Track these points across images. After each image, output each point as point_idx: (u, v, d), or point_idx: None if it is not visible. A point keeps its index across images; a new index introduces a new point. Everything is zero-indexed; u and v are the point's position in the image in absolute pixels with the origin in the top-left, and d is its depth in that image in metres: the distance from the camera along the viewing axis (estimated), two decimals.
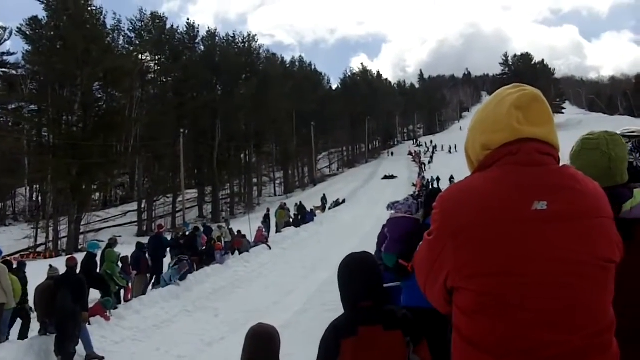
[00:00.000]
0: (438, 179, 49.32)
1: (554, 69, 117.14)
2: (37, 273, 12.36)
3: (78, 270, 11.73)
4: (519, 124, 1.59)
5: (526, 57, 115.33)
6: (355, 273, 2.71)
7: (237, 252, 21.95)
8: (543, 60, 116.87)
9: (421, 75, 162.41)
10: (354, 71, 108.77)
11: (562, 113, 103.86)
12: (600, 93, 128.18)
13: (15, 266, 12.55)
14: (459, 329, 1.59)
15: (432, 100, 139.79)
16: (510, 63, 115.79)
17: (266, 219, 32.26)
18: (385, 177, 60.21)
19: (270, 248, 23.35)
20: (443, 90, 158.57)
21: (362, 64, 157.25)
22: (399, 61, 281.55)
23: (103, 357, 10.56)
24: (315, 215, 35.43)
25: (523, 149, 1.57)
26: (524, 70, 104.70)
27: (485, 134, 1.65)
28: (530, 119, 1.60)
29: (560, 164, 1.64)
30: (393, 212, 6.07)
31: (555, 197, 1.51)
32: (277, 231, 29.99)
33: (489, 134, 1.63)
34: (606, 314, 1.52)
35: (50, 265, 12.05)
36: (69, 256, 12.88)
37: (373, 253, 6.79)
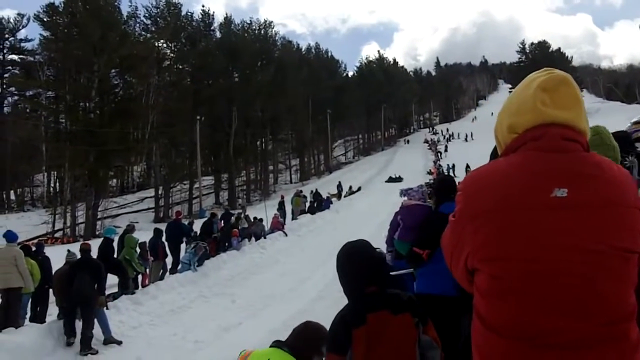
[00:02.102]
0: (453, 167, 49.04)
1: (571, 57, 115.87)
2: (55, 258, 12.48)
3: (95, 256, 11.92)
4: (544, 106, 1.57)
5: (543, 45, 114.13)
6: (357, 261, 2.74)
7: (253, 238, 22.05)
8: (560, 48, 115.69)
9: (437, 62, 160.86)
10: (370, 59, 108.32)
11: None
12: (618, 81, 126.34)
13: (34, 249, 12.73)
14: (476, 309, 1.60)
15: (448, 88, 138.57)
16: (527, 51, 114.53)
17: (281, 206, 32.30)
18: (390, 180, 49.94)
19: (286, 235, 23.41)
20: (459, 78, 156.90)
21: (378, 51, 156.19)
22: (410, 50, 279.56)
23: (121, 342, 10.64)
24: (332, 203, 35.44)
25: (547, 134, 1.56)
26: (541, 58, 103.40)
27: (511, 116, 1.65)
28: (556, 101, 1.58)
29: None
30: (406, 198, 6.14)
31: (576, 185, 1.50)
32: (293, 218, 30.02)
33: (515, 115, 1.63)
34: (624, 303, 1.50)
35: (68, 250, 12.16)
36: (83, 242, 13.03)
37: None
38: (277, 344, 2.99)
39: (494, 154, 2.50)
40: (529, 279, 1.48)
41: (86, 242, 12.80)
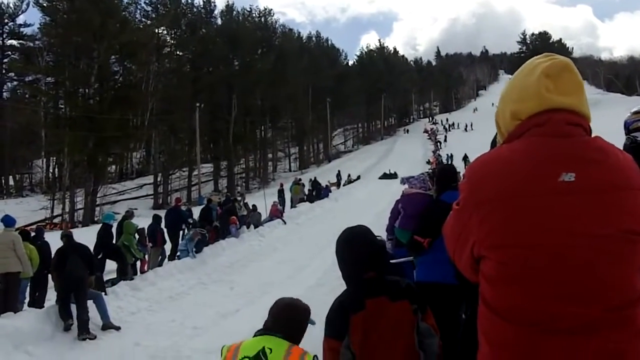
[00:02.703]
0: (452, 157, 49.05)
1: (572, 48, 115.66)
2: (54, 244, 12.40)
3: (94, 241, 11.99)
4: (548, 92, 1.57)
5: (543, 36, 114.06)
6: (356, 246, 2.74)
7: (252, 226, 22.08)
8: (561, 39, 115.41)
9: (438, 52, 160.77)
10: (371, 48, 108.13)
11: None
12: (618, 73, 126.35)
13: (33, 234, 12.76)
14: (483, 296, 1.60)
15: (448, 78, 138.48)
16: (528, 41, 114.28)
17: (280, 194, 32.38)
18: (385, 176, 45.24)
19: (285, 223, 23.43)
20: (460, 68, 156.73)
21: (379, 40, 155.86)
22: (409, 40, 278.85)
23: (119, 327, 10.66)
24: (330, 191, 35.48)
25: (552, 120, 1.56)
26: (542, 48, 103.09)
27: (514, 102, 1.64)
28: (560, 87, 1.58)
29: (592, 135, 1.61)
30: (407, 186, 6.14)
31: (583, 169, 1.50)
32: (292, 206, 30.08)
33: (518, 102, 1.63)
34: (630, 288, 1.50)
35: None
36: (65, 229, 13.02)
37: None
38: (263, 332, 2.98)
39: (494, 143, 2.49)
40: (535, 264, 1.48)
41: (68, 229, 12.86)
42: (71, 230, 11.96)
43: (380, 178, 44.93)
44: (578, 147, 1.54)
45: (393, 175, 42.15)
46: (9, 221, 11.33)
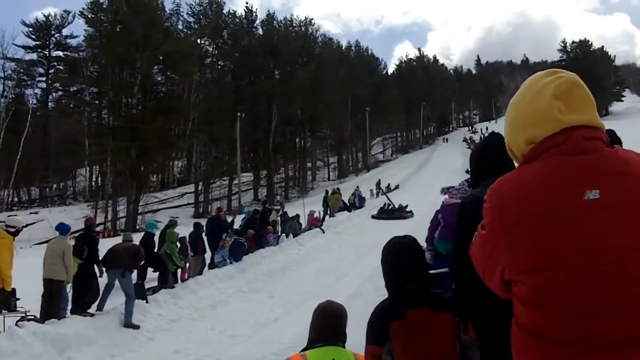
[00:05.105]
0: None
1: (614, 56, 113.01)
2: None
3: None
4: (562, 114, 1.55)
5: (584, 44, 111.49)
6: (401, 256, 2.73)
7: (290, 235, 22.14)
8: (603, 47, 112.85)
9: (478, 60, 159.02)
10: (410, 56, 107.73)
11: (622, 101, 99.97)
12: None
13: (83, 229, 13.00)
14: (517, 318, 1.58)
15: (488, 86, 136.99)
16: (569, 50, 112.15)
17: (325, 200, 32.57)
18: (385, 213, 29.47)
19: (323, 232, 23.47)
20: (500, 76, 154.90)
21: (419, 49, 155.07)
22: (443, 49, 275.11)
23: (139, 326, 10.89)
24: (365, 200, 35.72)
25: (570, 138, 1.53)
26: (582, 57, 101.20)
27: (527, 129, 1.61)
28: (571, 106, 1.56)
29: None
30: (447, 196, 6.11)
31: (607, 184, 1.47)
32: (331, 215, 30.10)
33: (531, 128, 1.60)
34: None
35: (124, 232, 12.62)
36: (88, 216, 13.34)
37: (424, 239, 6.85)
38: (325, 343, 3.01)
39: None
40: (571, 285, 1.46)
41: (90, 217, 13.43)
42: (93, 218, 12.51)
43: (380, 214, 29.51)
44: (599, 161, 1.52)
45: (402, 212, 29.43)
46: (63, 229, 11.51)
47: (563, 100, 1.57)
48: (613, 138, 2.91)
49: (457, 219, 2.40)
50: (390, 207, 30.44)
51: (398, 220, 26.37)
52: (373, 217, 29.26)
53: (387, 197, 33.64)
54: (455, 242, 2.39)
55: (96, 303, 11.48)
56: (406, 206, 29.99)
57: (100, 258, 11.69)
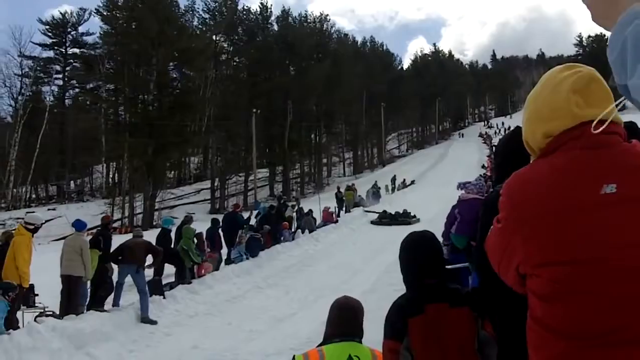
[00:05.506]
0: None
1: None
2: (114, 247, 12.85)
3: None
4: (580, 109, 1.55)
5: (600, 38, 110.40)
6: (419, 251, 2.73)
7: (306, 230, 22.18)
8: None
9: (494, 55, 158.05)
10: (425, 52, 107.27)
11: None
12: None
13: (99, 227, 13.13)
14: (533, 312, 1.58)
15: (504, 81, 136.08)
16: (585, 44, 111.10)
17: (337, 198, 32.57)
18: (386, 218, 26.19)
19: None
20: (516, 71, 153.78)
21: (434, 44, 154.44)
22: (457, 44, 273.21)
23: (156, 322, 10.99)
24: (380, 196, 35.81)
25: (587, 132, 1.51)
26: (598, 51, 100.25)
27: (545, 123, 1.61)
28: (590, 101, 1.55)
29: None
30: (463, 192, 6.09)
31: (625, 178, 1.46)
32: (346, 211, 30.10)
33: (549, 122, 1.59)
34: None
35: (134, 228, 12.74)
36: (105, 214, 13.52)
37: (440, 234, 6.84)
38: (342, 338, 3.01)
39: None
40: (588, 279, 1.45)
41: (107, 215, 13.65)
42: (110, 216, 12.61)
43: (381, 220, 26.60)
44: (617, 156, 1.51)
45: (406, 217, 26.32)
46: (79, 226, 11.62)
47: (581, 94, 1.56)
48: (634, 129, 2.89)
49: (482, 215, 2.39)
50: (391, 212, 26.80)
51: (415, 214, 26.21)
52: (372, 223, 26.23)
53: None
54: (480, 237, 2.39)
55: (111, 298, 11.60)
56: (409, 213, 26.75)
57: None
